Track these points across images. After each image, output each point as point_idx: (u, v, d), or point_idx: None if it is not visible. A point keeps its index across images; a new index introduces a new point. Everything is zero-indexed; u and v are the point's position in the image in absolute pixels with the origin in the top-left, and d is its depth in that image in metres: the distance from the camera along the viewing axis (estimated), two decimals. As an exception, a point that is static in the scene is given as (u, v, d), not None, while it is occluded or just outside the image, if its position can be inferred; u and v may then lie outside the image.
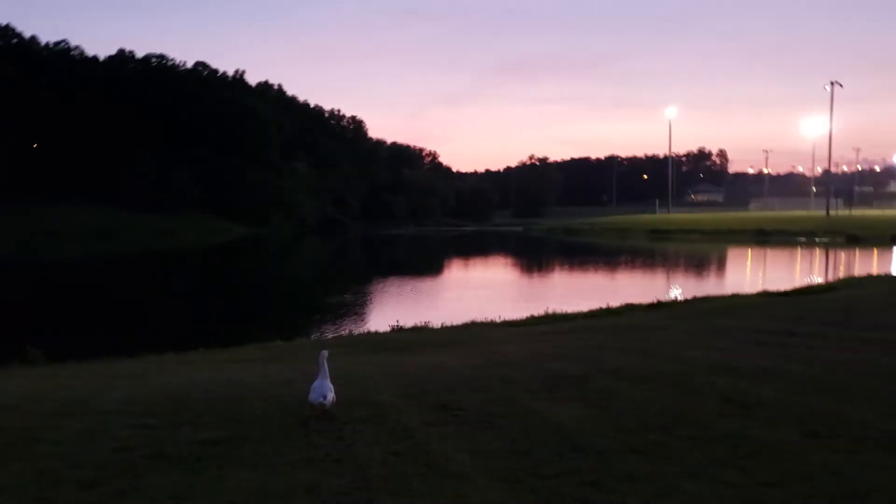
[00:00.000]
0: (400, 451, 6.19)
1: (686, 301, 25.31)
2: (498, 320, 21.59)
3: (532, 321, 21.49)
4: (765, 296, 26.47)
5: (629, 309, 23.51)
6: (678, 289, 34.30)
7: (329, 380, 7.26)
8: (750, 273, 48.55)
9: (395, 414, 7.50)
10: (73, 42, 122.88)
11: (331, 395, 7.20)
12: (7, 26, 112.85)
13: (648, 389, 8.68)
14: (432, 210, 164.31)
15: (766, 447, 6.28)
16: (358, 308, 30.66)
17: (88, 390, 9.21)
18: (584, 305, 26.06)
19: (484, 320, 21.51)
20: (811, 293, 26.62)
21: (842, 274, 41.89)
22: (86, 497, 5.20)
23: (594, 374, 9.66)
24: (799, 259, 59.21)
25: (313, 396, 7.14)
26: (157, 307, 33.19)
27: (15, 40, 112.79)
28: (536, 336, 16.37)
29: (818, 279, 38.79)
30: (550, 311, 23.50)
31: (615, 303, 25.08)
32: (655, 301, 25.93)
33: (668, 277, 45.69)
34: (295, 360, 13.29)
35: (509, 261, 64.24)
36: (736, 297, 26.77)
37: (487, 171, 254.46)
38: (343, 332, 22.44)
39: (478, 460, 5.96)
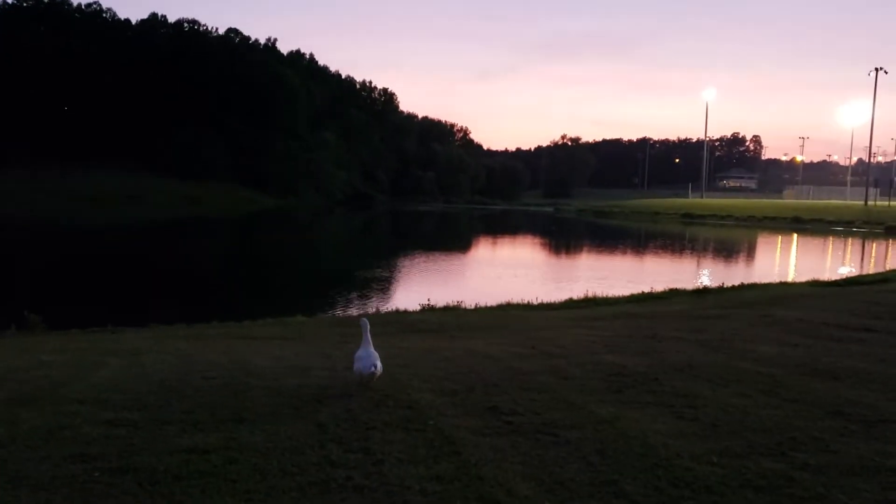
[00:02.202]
0: (444, 474, 4.65)
1: (733, 288, 23.73)
2: (534, 302, 20.21)
3: (571, 304, 20.15)
4: (815, 285, 24.91)
5: (674, 294, 22.16)
6: (720, 274, 32.64)
7: (373, 347, 6.76)
8: (791, 260, 46.65)
9: (434, 417, 5.97)
10: (105, 4, 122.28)
11: (380, 364, 6.70)
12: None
13: (735, 395, 7.14)
14: (462, 187, 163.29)
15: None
16: (385, 284, 29.28)
17: (68, 370, 7.75)
18: (624, 289, 24.82)
19: (520, 302, 20.13)
20: (863, 283, 25.10)
21: (887, 264, 40.06)
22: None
23: (662, 372, 8.13)
24: (839, 248, 57.04)
25: (364, 365, 6.57)
26: (176, 276, 32.08)
27: (45, 0, 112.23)
28: (580, 321, 14.88)
29: (865, 269, 37.03)
30: (590, 293, 22.12)
31: (657, 287, 23.79)
32: (701, 287, 24.67)
33: (706, 262, 43.97)
34: (315, 339, 11.90)
35: (540, 241, 62.63)
36: (785, 286, 25.48)
37: (518, 150, 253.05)
38: (369, 310, 21.06)
39: (550, 495, 4.40)
